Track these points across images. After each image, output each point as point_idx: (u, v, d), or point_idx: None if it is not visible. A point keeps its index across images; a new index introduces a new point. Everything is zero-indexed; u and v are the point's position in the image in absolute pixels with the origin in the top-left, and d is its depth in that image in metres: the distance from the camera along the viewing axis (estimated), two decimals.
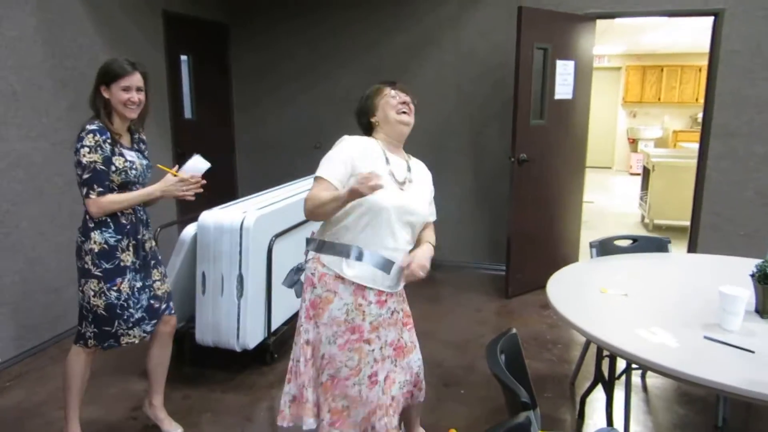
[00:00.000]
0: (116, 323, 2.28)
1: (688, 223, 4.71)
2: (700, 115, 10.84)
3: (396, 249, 1.98)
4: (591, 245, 2.85)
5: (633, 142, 11.46)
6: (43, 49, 3.42)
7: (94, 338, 2.30)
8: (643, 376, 3.13)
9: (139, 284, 2.35)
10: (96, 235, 2.22)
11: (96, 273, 2.23)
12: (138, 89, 2.24)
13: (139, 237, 2.34)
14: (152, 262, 2.44)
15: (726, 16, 4.19)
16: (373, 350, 2.01)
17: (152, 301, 2.40)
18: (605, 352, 2.55)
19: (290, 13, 5.22)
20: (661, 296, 2.23)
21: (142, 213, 2.39)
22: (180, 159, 4.73)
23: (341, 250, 1.95)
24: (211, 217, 3.03)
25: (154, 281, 2.43)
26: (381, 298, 2.01)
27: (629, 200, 8.24)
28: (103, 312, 2.26)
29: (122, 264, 2.27)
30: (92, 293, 2.24)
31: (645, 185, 6.83)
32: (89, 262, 2.23)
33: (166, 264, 3.12)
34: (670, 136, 11.15)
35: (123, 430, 2.64)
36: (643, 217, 6.95)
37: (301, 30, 5.22)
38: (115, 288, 2.25)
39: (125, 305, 2.28)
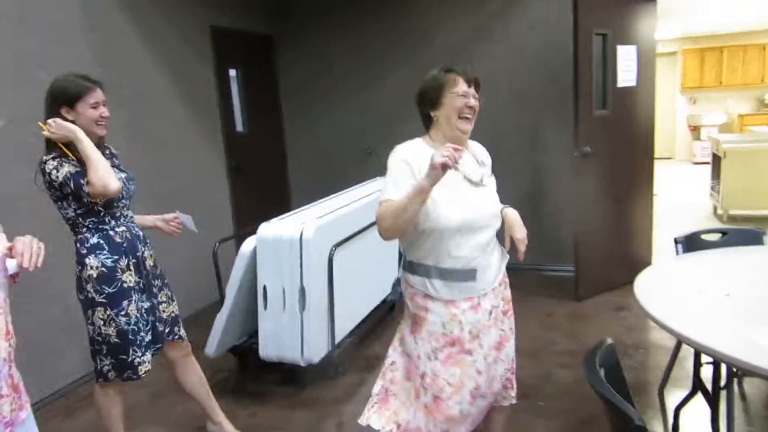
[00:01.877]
0: (131, 350, 2.17)
1: (767, 212, 4.33)
2: (767, 96, 10.29)
3: (482, 253, 1.84)
4: (676, 241, 2.61)
5: (694, 130, 10.85)
6: (99, 71, 3.45)
7: (113, 370, 2.19)
8: (739, 383, 2.85)
9: (146, 305, 2.24)
10: (91, 260, 2.09)
11: (100, 300, 2.11)
12: (104, 103, 2.13)
13: (138, 254, 2.22)
14: (156, 282, 2.31)
15: None
16: (475, 361, 1.87)
17: (157, 324, 2.28)
18: (705, 359, 2.32)
19: (333, 20, 5.16)
20: None
21: (136, 230, 2.26)
22: (234, 172, 4.74)
23: (423, 272, 1.84)
24: (269, 229, 2.96)
25: (160, 302, 2.31)
26: (474, 303, 1.86)
27: (696, 191, 7.77)
28: (117, 340, 2.15)
29: (125, 285, 2.15)
30: (101, 322, 2.13)
31: (716, 174, 6.40)
32: (91, 291, 2.11)
33: (227, 279, 3.08)
34: (736, 120, 10.51)
35: None
36: (715, 208, 6.51)
37: (346, 35, 5.15)
38: (123, 313, 2.14)
39: (136, 329, 2.17)
